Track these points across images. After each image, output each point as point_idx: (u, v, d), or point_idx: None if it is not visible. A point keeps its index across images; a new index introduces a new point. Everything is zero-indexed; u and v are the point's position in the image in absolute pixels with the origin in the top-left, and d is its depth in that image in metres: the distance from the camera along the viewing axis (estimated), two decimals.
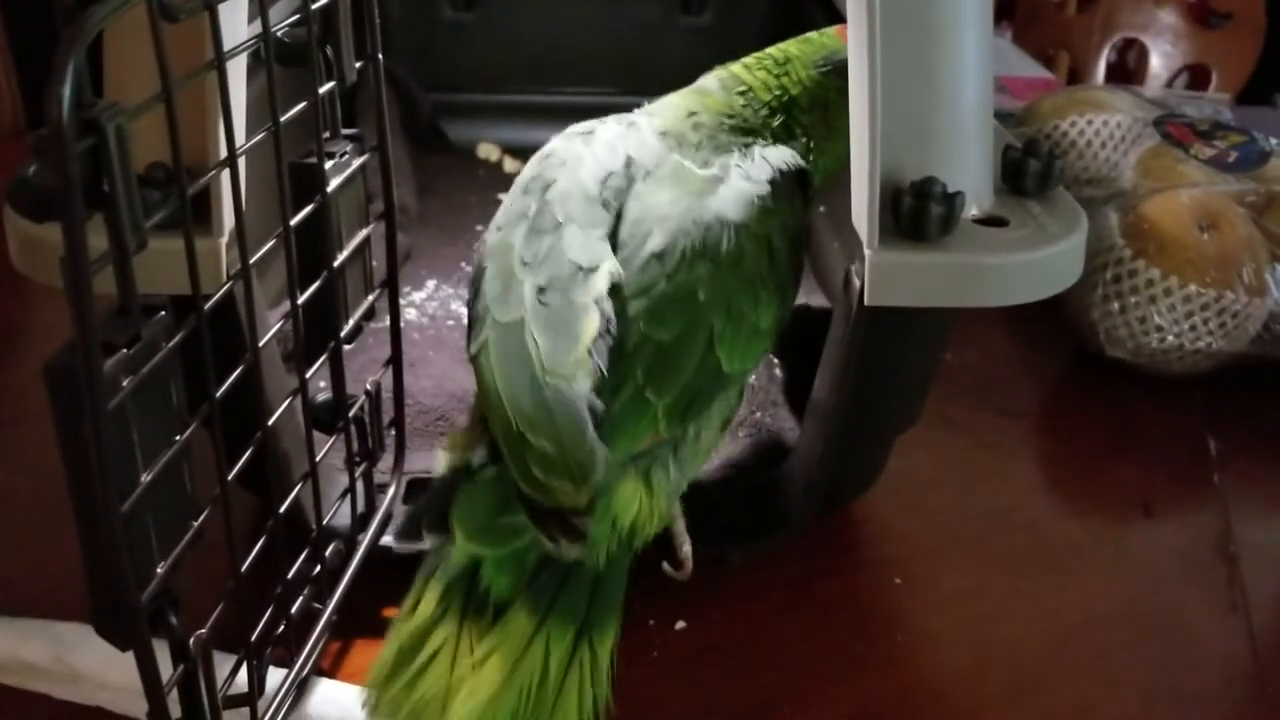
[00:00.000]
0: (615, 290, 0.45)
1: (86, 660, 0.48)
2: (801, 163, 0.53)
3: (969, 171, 0.48)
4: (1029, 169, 0.50)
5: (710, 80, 0.56)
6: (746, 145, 0.52)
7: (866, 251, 0.46)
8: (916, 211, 0.46)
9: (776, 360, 0.68)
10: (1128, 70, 1.23)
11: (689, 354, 0.45)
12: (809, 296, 0.72)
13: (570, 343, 0.43)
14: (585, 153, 0.50)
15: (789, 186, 0.51)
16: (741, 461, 0.61)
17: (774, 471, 0.59)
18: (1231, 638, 0.54)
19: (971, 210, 0.48)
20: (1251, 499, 0.63)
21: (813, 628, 0.53)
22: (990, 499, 0.63)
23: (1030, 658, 0.52)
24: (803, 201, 0.52)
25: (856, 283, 0.47)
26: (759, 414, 0.64)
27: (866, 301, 0.46)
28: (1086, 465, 0.66)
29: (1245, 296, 0.67)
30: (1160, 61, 1.19)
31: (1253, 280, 0.67)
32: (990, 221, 0.49)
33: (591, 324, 0.43)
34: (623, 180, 0.49)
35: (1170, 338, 0.68)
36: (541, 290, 0.44)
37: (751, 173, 0.49)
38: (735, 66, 0.56)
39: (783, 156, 0.51)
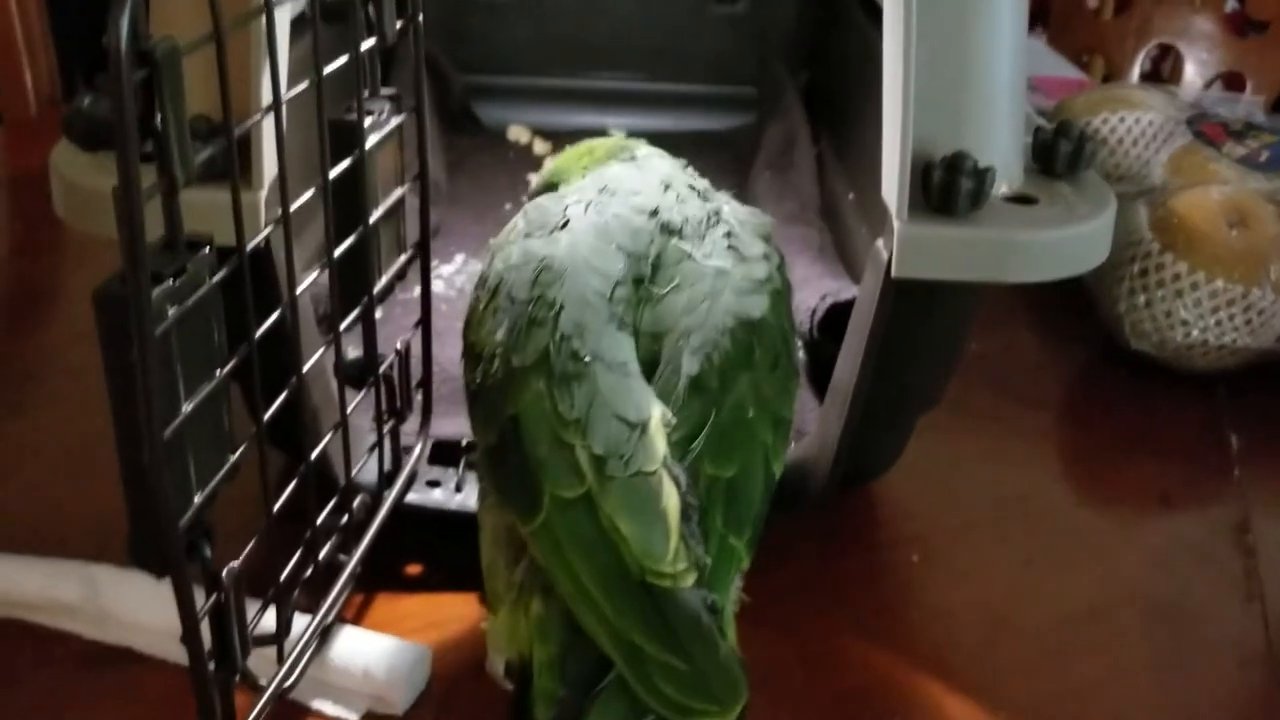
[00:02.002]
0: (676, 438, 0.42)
1: (117, 602, 0.49)
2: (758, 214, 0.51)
3: (1000, 148, 0.49)
4: (1060, 150, 0.51)
5: (639, 146, 0.55)
6: (717, 212, 0.48)
7: (895, 223, 0.46)
8: (946, 185, 0.46)
9: (800, 343, 0.69)
10: (1162, 77, 1.23)
11: (754, 480, 0.43)
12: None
13: (658, 527, 0.39)
14: (577, 259, 0.44)
15: (770, 246, 0.49)
16: None
17: (794, 449, 0.60)
18: (1246, 626, 0.54)
19: (1001, 187, 0.49)
20: (1271, 494, 0.63)
21: (828, 601, 0.54)
22: (1009, 484, 0.63)
23: (1042, 637, 0.53)
24: (778, 252, 0.49)
25: (884, 255, 0.48)
26: None
27: (894, 273, 0.47)
28: (1106, 456, 0.66)
29: (1272, 294, 0.67)
30: (1195, 68, 1.19)
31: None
32: (1020, 199, 0.49)
33: (673, 500, 0.40)
34: (629, 288, 0.44)
35: (1195, 332, 0.68)
36: (601, 462, 0.40)
37: (745, 250, 0.47)
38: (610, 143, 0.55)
39: (751, 215, 0.50)
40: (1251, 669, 0.52)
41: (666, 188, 0.49)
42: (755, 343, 0.44)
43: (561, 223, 0.46)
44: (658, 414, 0.41)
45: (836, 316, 0.62)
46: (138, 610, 0.49)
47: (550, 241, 0.45)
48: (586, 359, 0.41)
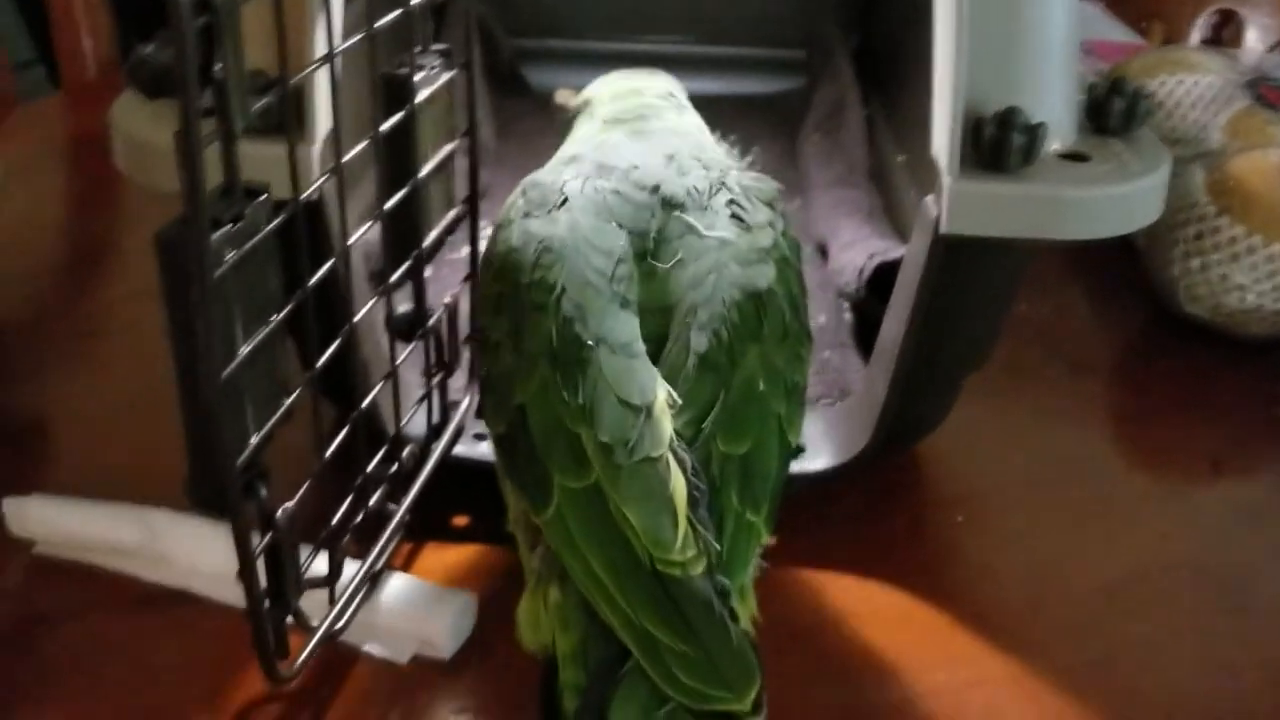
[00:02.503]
0: (686, 417, 0.41)
1: (175, 545, 0.51)
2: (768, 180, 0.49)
3: (1052, 104, 0.48)
4: (1113, 107, 0.50)
5: (666, 108, 0.54)
6: (721, 180, 0.47)
7: (946, 179, 0.46)
8: (998, 141, 0.46)
9: (847, 303, 0.69)
10: (1223, 43, 1.21)
11: (769, 453, 0.42)
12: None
13: (665, 515, 0.38)
14: (577, 238, 0.43)
15: (775, 211, 0.47)
16: (807, 398, 0.61)
17: (839, 407, 0.60)
18: None
19: (1054, 144, 0.49)
20: None
21: (872, 557, 0.54)
22: (1058, 447, 0.63)
23: (1088, 600, 0.53)
24: (783, 217, 0.48)
25: (933, 212, 0.48)
26: (827, 353, 0.65)
27: (943, 229, 0.47)
28: (1157, 420, 0.66)
29: None
30: (1257, 34, 1.16)
31: None
32: (1072, 157, 0.49)
33: (680, 485, 0.39)
34: (631, 265, 0.43)
35: (1251, 297, 0.67)
36: (607, 450, 0.39)
37: (749, 218, 0.45)
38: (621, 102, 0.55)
39: (756, 181, 0.48)
40: None
41: (670, 159, 0.47)
42: (762, 314, 0.43)
43: (559, 201, 0.45)
44: (662, 396, 0.40)
45: (884, 276, 0.62)
46: (194, 553, 0.50)
47: (549, 221, 0.44)
48: (590, 343, 0.41)
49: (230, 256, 0.33)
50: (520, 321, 0.42)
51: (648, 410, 0.40)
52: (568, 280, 0.42)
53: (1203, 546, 0.56)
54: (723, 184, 0.46)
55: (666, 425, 0.40)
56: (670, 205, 0.45)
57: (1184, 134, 0.75)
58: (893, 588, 0.52)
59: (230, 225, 0.34)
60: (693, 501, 0.39)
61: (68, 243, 0.83)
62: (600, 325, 0.41)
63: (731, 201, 0.46)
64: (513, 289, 0.43)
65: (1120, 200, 0.47)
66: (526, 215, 0.45)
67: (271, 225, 0.36)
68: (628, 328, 0.41)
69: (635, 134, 0.51)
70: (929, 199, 0.48)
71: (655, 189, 0.45)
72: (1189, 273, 0.68)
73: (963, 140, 0.46)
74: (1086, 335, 0.73)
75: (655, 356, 0.42)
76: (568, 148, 0.52)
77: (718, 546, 0.39)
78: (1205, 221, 0.67)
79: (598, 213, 0.44)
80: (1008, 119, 0.46)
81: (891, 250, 0.65)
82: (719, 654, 0.38)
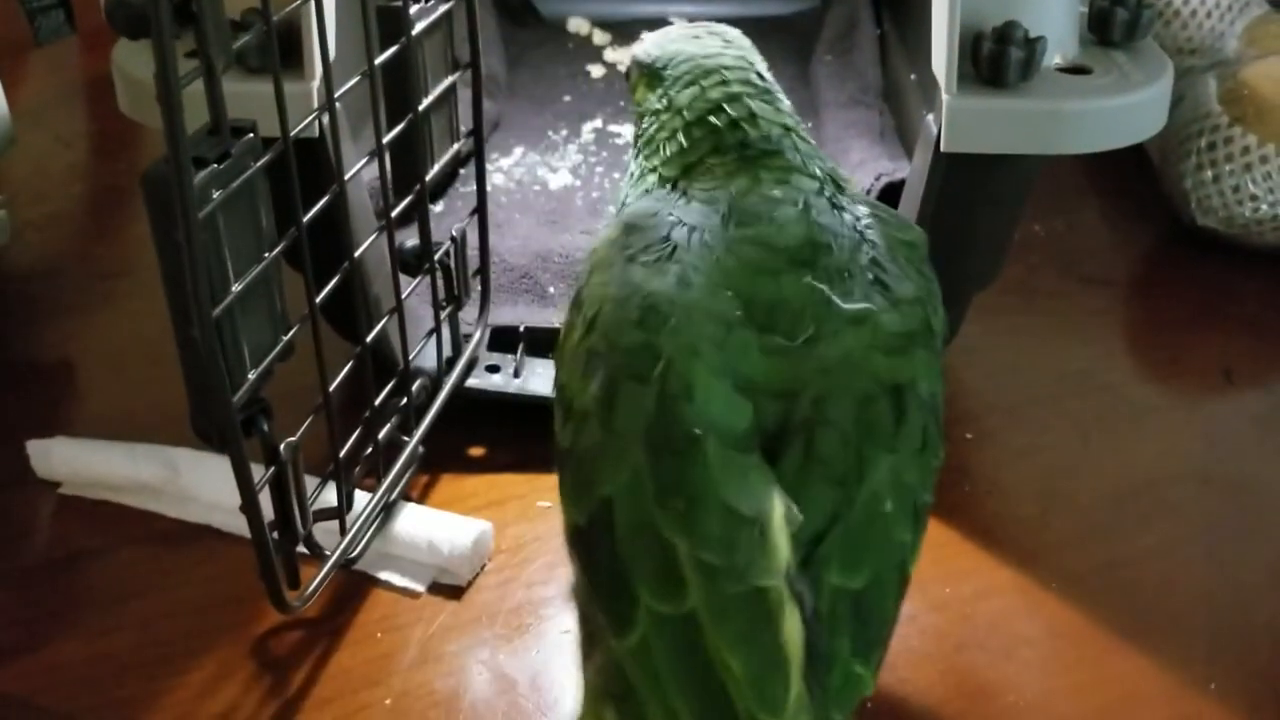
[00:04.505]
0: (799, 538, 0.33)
1: (196, 482, 0.52)
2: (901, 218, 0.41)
3: (1052, 17, 0.47)
4: (1116, 18, 0.49)
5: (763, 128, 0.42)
6: (860, 232, 0.38)
7: (945, 96, 0.46)
8: (996, 56, 0.46)
9: None
10: None
11: (887, 591, 0.35)
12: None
13: (776, 667, 0.32)
14: (689, 299, 0.35)
15: (924, 276, 0.39)
16: None
17: None
18: None
19: (1054, 58, 0.48)
20: None
21: None
22: (1068, 362, 0.63)
23: (1095, 510, 0.53)
24: (930, 279, 0.39)
25: (934, 130, 0.47)
26: None
27: (943, 148, 0.46)
28: (1170, 332, 0.65)
29: None
30: None
31: None
32: (1074, 70, 0.48)
33: (796, 629, 0.32)
34: (750, 337, 0.35)
35: (1264, 207, 0.66)
36: (709, 572, 0.32)
37: (895, 286, 0.37)
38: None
39: (900, 229, 0.39)
40: None
41: (797, 204, 0.38)
42: (902, 417, 0.35)
43: (668, 250, 0.37)
44: (780, 508, 0.33)
45: (892, 196, 0.62)
46: (215, 490, 0.51)
47: (657, 272, 0.36)
48: (696, 430, 0.33)
49: (217, 195, 0.34)
50: (613, 391, 0.35)
51: (762, 525, 0.32)
52: (675, 350, 0.34)
53: (1213, 457, 0.57)
54: (862, 237, 0.38)
55: (784, 547, 0.32)
56: (801, 266, 0.36)
57: (1200, 43, 0.74)
58: None
59: (216, 164, 0.34)
60: (810, 651, 0.32)
61: (87, 185, 0.84)
62: (709, 409, 0.33)
63: (875, 262, 0.37)
64: (607, 349, 0.35)
65: (1121, 112, 0.46)
66: (630, 260, 0.37)
67: (259, 164, 0.36)
68: (742, 415, 0.34)
69: (743, 160, 0.41)
70: (929, 117, 0.48)
71: (785, 247, 0.37)
72: (1202, 184, 0.67)
73: (961, 56, 0.46)
74: (1100, 251, 0.72)
75: (771, 457, 0.34)
76: (655, 160, 0.43)
77: (836, 718, 0.33)
78: (1218, 132, 0.66)
79: (713, 269, 0.36)
80: (1006, 33, 0.46)
81: (899, 170, 0.64)
82: None
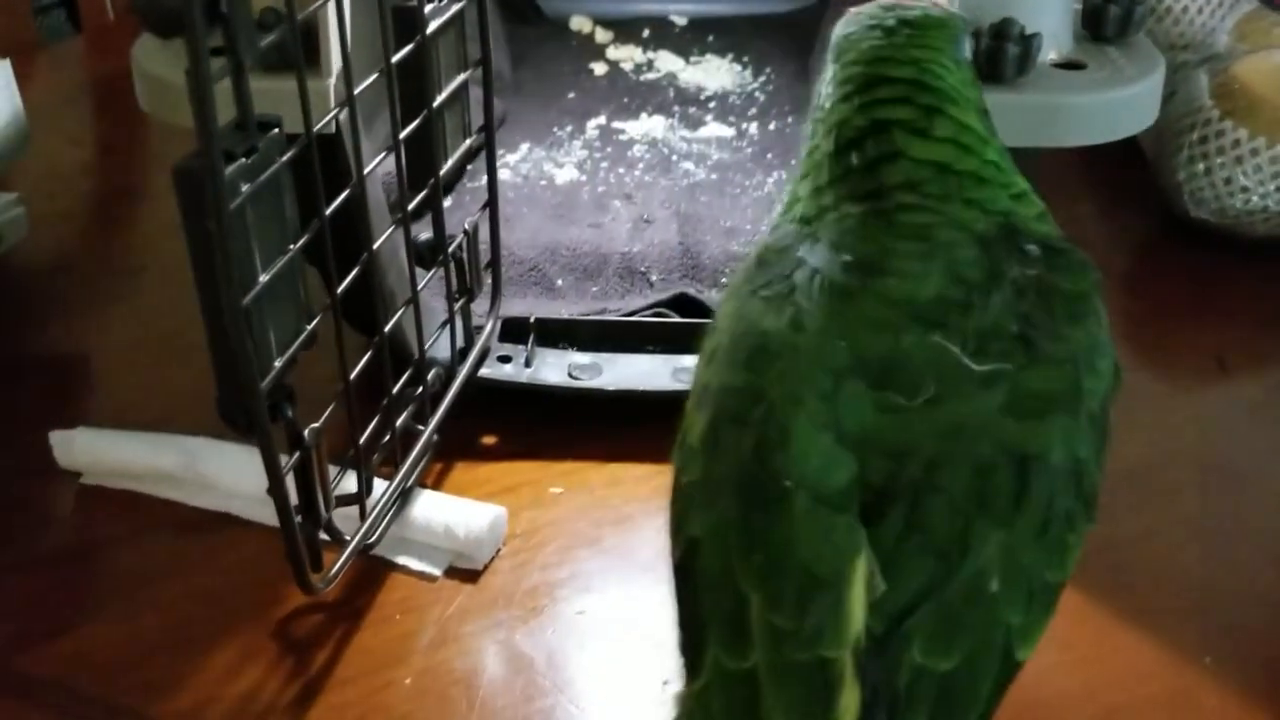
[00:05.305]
0: (883, 607, 0.31)
1: (216, 469, 0.53)
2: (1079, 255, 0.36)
3: (1047, 14, 0.49)
4: (1109, 14, 0.51)
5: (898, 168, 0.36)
6: (1011, 262, 0.34)
7: None
8: (993, 52, 0.47)
9: None
10: None
11: (982, 676, 0.32)
12: None
13: None
14: (799, 343, 0.33)
15: (1089, 326, 0.35)
16: None
17: None
18: None
19: (1050, 54, 0.50)
20: None
21: None
22: None
23: None
24: (1102, 329, 0.36)
25: None
26: None
27: None
28: (1164, 321, 0.67)
29: None
30: None
31: None
32: (1068, 65, 0.50)
33: (850, 705, 0.30)
34: (863, 388, 0.33)
35: (1255, 199, 0.67)
36: (775, 634, 0.31)
37: (1044, 343, 0.33)
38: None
39: (1068, 267, 0.35)
40: None
41: (942, 262, 0.34)
42: (1025, 491, 0.32)
43: (788, 290, 0.35)
44: (862, 573, 0.31)
45: None
46: (233, 477, 0.53)
47: (775, 310, 0.34)
48: (787, 483, 0.32)
49: (246, 188, 0.35)
50: (716, 431, 0.34)
51: (838, 588, 0.31)
52: (779, 394, 0.33)
53: (1207, 442, 0.58)
54: (1020, 291, 0.34)
55: (859, 614, 0.31)
56: (928, 324, 0.33)
57: (1192, 39, 0.75)
58: None
59: (244, 159, 0.35)
60: None
61: (98, 183, 0.86)
62: (805, 461, 0.32)
63: (1026, 318, 0.33)
64: (718, 385, 0.34)
65: (1114, 106, 0.48)
66: (754, 293, 0.35)
67: (285, 157, 0.37)
68: (841, 471, 0.32)
69: (877, 211, 0.36)
70: None
71: (908, 303, 0.34)
72: (1194, 176, 0.69)
73: None
74: (1096, 241, 0.74)
75: (871, 520, 0.32)
76: (803, 189, 0.38)
77: None
78: (1210, 125, 0.68)
79: (828, 318, 0.34)
80: (1003, 30, 0.47)
81: None
82: None
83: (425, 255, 0.53)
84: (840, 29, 0.39)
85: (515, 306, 0.62)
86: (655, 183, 0.75)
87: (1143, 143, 0.75)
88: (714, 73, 0.90)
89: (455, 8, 0.51)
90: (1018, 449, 0.32)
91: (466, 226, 0.55)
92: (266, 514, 0.49)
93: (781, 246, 0.37)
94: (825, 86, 0.38)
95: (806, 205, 0.38)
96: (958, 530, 0.31)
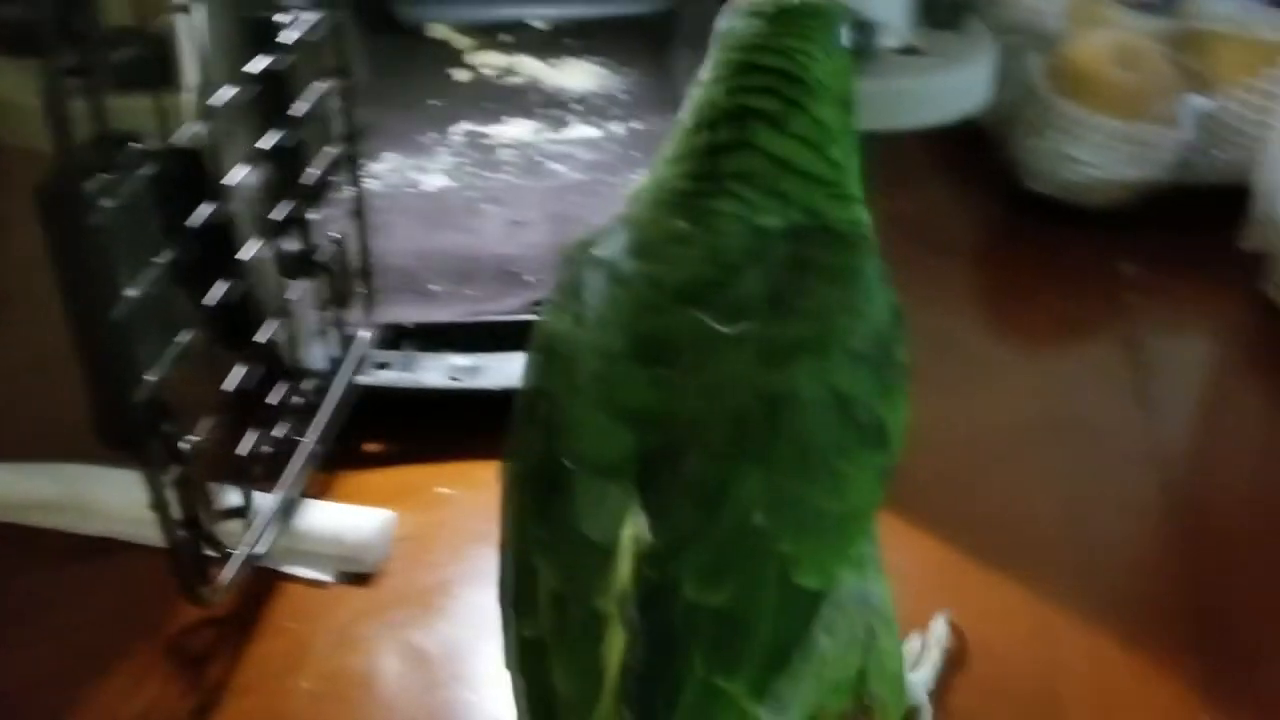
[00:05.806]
0: (652, 557, 0.33)
1: (96, 494, 0.53)
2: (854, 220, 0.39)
3: (885, 3, 0.52)
4: (944, 2, 0.54)
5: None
6: (768, 241, 0.36)
7: None
8: None
9: None
10: None
11: (759, 606, 0.33)
12: None
13: (589, 684, 0.33)
14: (580, 339, 0.36)
15: (856, 284, 0.37)
16: None
17: None
18: (1138, 433, 0.59)
19: (890, 41, 0.52)
20: (1160, 316, 0.68)
21: None
22: (923, 325, 0.65)
23: (956, 453, 0.58)
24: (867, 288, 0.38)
25: None
26: None
27: None
28: (1013, 291, 0.71)
29: (1158, 127, 0.71)
30: None
31: (1166, 112, 0.71)
32: (907, 51, 0.52)
33: (615, 648, 0.33)
34: (634, 369, 0.35)
35: (1088, 169, 0.72)
36: (558, 602, 0.34)
37: (794, 300, 0.36)
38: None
39: (847, 246, 0.38)
40: (1140, 468, 0.57)
41: (708, 248, 0.36)
42: (777, 428, 0.34)
43: (575, 289, 0.37)
44: (628, 534, 0.33)
45: None
46: (115, 501, 0.52)
47: (560, 314, 0.37)
48: (569, 465, 0.34)
49: (106, 204, 0.35)
50: (519, 435, 0.37)
51: (607, 551, 0.33)
52: (561, 388, 0.36)
53: (1059, 401, 0.62)
54: (769, 259, 0.36)
55: (625, 572, 0.33)
56: (689, 302, 0.36)
57: (1024, 22, 0.79)
58: None
59: (103, 174, 0.36)
60: (638, 676, 0.32)
61: None
62: (583, 441, 0.35)
63: (774, 285, 0.36)
64: (521, 395, 0.37)
65: (948, 88, 0.51)
66: (551, 303, 0.38)
67: (142, 171, 0.38)
68: (615, 444, 0.34)
69: (693, 176, 0.38)
70: None
71: (672, 285, 0.36)
72: (1030, 151, 0.73)
73: None
74: (947, 221, 0.77)
75: (648, 485, 0.34)
76: (661, 160, 0.39)
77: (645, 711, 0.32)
78: (1043, 103, 0.72)
79: (606, 307, 0.36)
80: None
81: None
82: None
83: (294, 265, 0.54)
84: (728, 14, 0.39)
85: (392, 313, 0.63)
86: (525, 185, 0.76)
87: (984, 124, 0.79)
88: (576, 75, 0.91)
89: (312, 19, 0.51)
90: (768, 392, 0.34)
91: (336, 234, 0.55)
92: (150, 533, 0.48)
93: (587, 242, 0.38)
94: (705, 70, 0.39)
95: (651, 176, 0.39)
96: (716, 475, 0.33)
